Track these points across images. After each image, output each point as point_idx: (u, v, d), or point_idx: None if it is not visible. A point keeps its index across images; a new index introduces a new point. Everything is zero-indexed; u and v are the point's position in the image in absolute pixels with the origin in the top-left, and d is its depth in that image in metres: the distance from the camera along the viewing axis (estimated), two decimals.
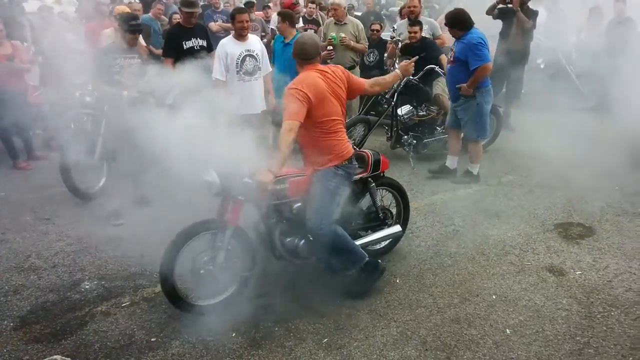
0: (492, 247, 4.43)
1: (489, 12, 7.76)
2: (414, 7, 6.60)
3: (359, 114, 6.42)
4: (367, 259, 3.72)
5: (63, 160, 5.09)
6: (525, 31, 7.42)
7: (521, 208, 5.21)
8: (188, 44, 5.57)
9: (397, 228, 4.18)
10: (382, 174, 4.09)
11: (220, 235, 3.41)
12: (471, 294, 3.79)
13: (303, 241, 3.66)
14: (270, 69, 5.66)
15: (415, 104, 6.30)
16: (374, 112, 6.72)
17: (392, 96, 6.09)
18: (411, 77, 5.98)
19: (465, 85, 5.42)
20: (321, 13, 10.07)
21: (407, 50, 6.31)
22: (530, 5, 7.95)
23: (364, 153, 3.93)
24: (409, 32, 6.41)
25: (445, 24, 5.69)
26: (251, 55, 5.40)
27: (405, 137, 6.20)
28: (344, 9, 6.93)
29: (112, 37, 6.20)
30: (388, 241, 4.26)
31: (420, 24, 6.48)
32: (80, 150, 5.24)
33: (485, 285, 3.89)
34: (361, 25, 6.95)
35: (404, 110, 6.23)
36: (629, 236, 4.60)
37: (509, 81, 7.84)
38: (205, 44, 5.69)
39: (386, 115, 6.28)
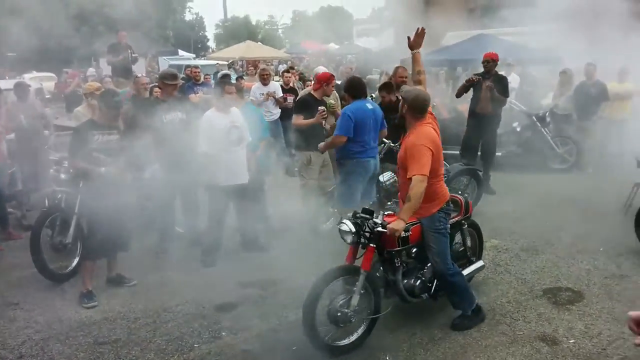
0: None
1: (460, 94, 8.01)
2: (405, 77, 6.80)
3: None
4: (477, 300, 4.22)
5: (34, 240, 4.91)
6: (495, 97, 7.61)
7: (508, 273, 5.12)
8: (168, 118, 5.56)
9: (480, 263, 4.70)
10: (469, 216, 4.59)
11: (353, 279, 3.76)
12: None
13: (419, 281, 4.10)
14: (250, 139, 5.65)
15: (397, 170, 6.30)
16: None
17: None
18: (392, 143, 6.03)
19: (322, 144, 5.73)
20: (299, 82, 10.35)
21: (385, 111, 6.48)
22: (501, 71, 8.26)
23: (457, 198, 4.40)
24: (382, 97, 6.60)
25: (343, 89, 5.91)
26: (235, 127, 5.40)
27: (389, 203, 6.15)
28: None
29: (86, 114, 6.20)
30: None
31: (388, 87, 6.66)
32: (53, 229, 5.10)
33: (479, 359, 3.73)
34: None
35: (385, 177, 6.21)
36: (618, 300, 4.52)
37: (482, 145, 7.95)
38: (185, 117, 5.69)
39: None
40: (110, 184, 4.62)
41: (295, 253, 5.72)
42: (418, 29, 4.48)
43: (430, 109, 4.06)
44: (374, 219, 3.80)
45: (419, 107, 3.92)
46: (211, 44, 54.37)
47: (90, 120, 5.02)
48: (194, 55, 33.65)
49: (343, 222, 3.85)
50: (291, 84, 10.00)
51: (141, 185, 5.93)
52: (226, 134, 5.35)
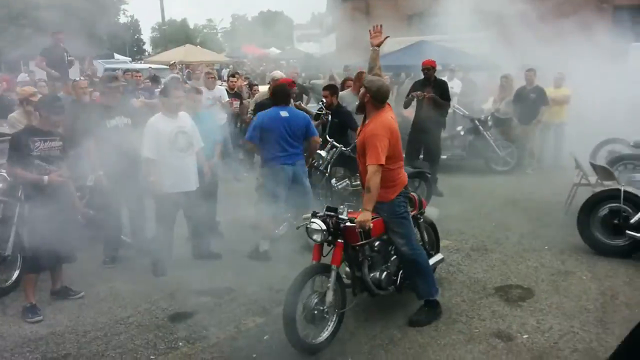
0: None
1: (406, 106, 8.23)
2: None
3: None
4: (439, 292, 4.41)
5: None
6: (439, 103, 7.84)
7: (461, 273, 5.24)
8: (112, 123, 5.33)
9: (440, 256, 4.88)
10: (423, 211, 4.76)
11: (326, 277, 3.85)
12: None
13: (385, 274, 4.23)
14: (202, 145, 5.51)
15: (349, 173, 6.34)
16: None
17: (326, 167, 6.10)
18: (344, 147, 6.07)
19: None
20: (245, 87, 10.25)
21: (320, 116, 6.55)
22: (444, 76, 8.51)
23: (410, 195, 4.48)
24: (325, 97, 6.73)
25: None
26: (183, 132, 5.24)
27: (341, 207, 6.16)
28: None
29: (21, 120, 5.88)
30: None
31: (332, 88, 6.79)
32: None
33: (438, 358, 3.78)
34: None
35: (338, 180, 6.24)
36: (565, 295, 4.71)
37: (426, 148, 8.15)
38: (130, 121, 5.48)
39: (321, 186, 6.25)
40: (52, 193, 4.38)
41: (251, 259, 5.64)
42: (375, 26, 4.62)
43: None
44: (339, 215, 3.89)
45: (382, 97, 4.06)
46: (147, 47, 53.04)
47: (30, 127, 4.75)
48: (130, 59, 32.64)
49: (313, 221, 3.89)
50: (236, 89, 9.91)
51: (85, 193, 5.68)
52: (173, 139, 5.18)
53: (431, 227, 4.96)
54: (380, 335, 4.08)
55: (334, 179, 6.24)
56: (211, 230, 6.01)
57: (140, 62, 28.48)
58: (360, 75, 6.99)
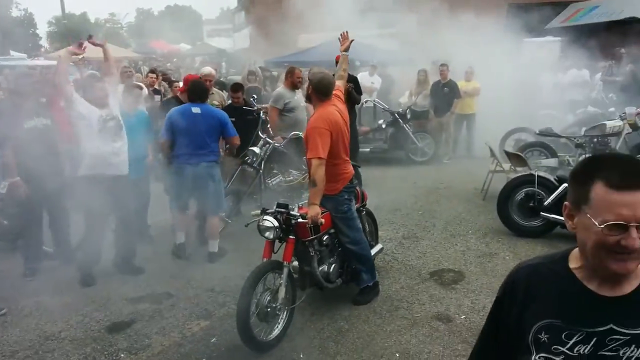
0: (382, 304, 4.50)
1: None
2: (301, 77, 7.04)
3: (227, 187, 6.24)
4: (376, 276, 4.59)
5: None
6: (353, 97, 8.07)
7: (396, 261, 5.43)
8: (30, 124, 4.95)
9: (380, 246, 5.07)
10: (365, 204, 4.86)
11: (277, 273, 3.85)
12: (376, 356, 3.76)
13: (333, 267, 4.32)
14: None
15: (282, 169, 6.34)
16: None
17: (260, 164, 6.07)
18: (277, 144, 6.06)
19: None
20: (164, 84, 9.91)
21: (232, 113, 6.40)
22: (366, 71, 8.74)
23: (355, 189, 4.53)
24: (232, 98, 6.71)
25: None
26: (112, 118, 4.90)
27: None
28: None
29: None
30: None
31: (242, 88, 6.77)
32: None
33: (386, 345, 3.91)
34: (223, 95, 7.05)
35: (272, 177, 6.22)
36: (492, 275, 5.04)
37: None
38: (50, 122, 5.11)
39: (255, 184, 6.20)
40: None
41: (187, 261, 5.50)
42: (343, 33, 4.75)
43: (342, 92, 4.42)
44: (291, 212, 3.90)
45: (323, 89, 4.10)
46: (44, 42, 49.41)
47: None
48: (26, 55, 30.26)
49: (265, 218, 3.87)
50: (155, 85, 9.55)
51: None
52: (102, 124, 4.81)
53: (371, 218, 5.12)
54: (328, 328, 4.15)
55: (269, 176, 6.21)
56: (141, 234, 5.77)
57: (39, 59, 26.48)
58: (292, 70, 7.00)
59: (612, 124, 7.72)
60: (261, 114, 7.03)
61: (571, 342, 1.32)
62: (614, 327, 1.30)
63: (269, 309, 3.74)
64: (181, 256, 5.53)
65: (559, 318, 1.34)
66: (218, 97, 7.05)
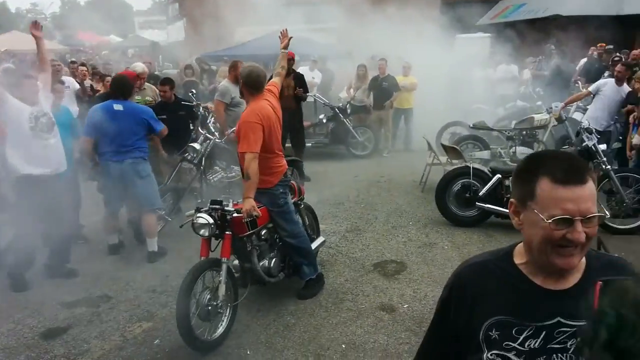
0: (327, 297, 4.54)
1: None
2: None
3: (166, 184, 6.08)
4: (319, 269, 4.62)
5: None
6: (300, 95, 8.14)
7: (340, 254, 5.49)
8: None
9: (322, 238, 5.07)
10: (303, 198, 4.87)
11: (216, 271, 3.80)
12: (322, 348, 3.80)
13: (274, 261, 4.29)
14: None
15: (224, 165, 6.25)
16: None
17: (200, 161, 5.95)
18: (218, 139, 5.96)
19: None
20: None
21: (163, 109, 6.29)
22: (306, 66, 8.77)
23: (291, 183, 4.58)
24: (160, 91, 6.56)
25: None
26: (43, 114, 4.67)
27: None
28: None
29: None
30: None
31: (170, 82, 6.59)
32: None
33: (333, 337, 3.95)
34: (156, 90, 6.83)
35: (213, 173, 6.12)
36: (433, 264, 5.20)
37: (291, 137, 8.37)
38: None
39: (195, 181, 6.08)
40: None
41: (126, 262, 5.33)
42: (283, 31, 4.74)
43: (277, 88, 4.42)
44: (225, 207, 3.85)
45: (253, 83, 4.08)
46: None
47: None
48: None
49: (199, 216, 3.81)
50: (86, 80, 9.17)
51: None
52: (34, 122, 4.58)
53: (310, 211, 5.14)
54: (275, 324, 4.14)
55: (210, 172, 6.10)
56: (75, 235, 5.53)
57: None
58: (235, 64, 6.89)
59: (540, 117, 8.14)
60: (200, 109, 6.90)
61: (522, 337, 1.34)
62: (561, 320, 1.33)
63: (209, 308, 3.68)
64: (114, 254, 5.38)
65: (509, 314, 1.36)
66: (151, 92, 6.83)
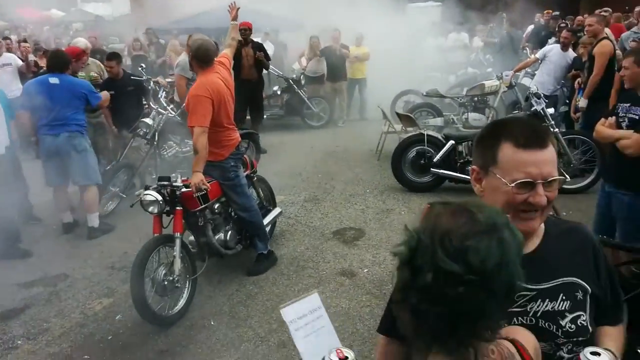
0: (289, 266, 4.61)
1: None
2: None
3: (118, 161, 5.95)
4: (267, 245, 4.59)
5: None
6: (256, 62, 8.05)
7: (300, 224, 5.55)
8: None
9: (278, 209, 5.08)
10: (255, 170, 4.87)
11: (170, 247, 3.78)
12: None
13: (229, 234, 4.33)
14: None
15: (178, 140, 6.15)
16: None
17: (153, 136, 5.83)
18: (172, 112, 5.85)
19: None
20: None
21: (111, 85, 6.14)
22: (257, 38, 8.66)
23: (243, 157, 4.58)
24: (106, 67, 6.36)
25: None
26: None
27: (173, 175, 6.00)
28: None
29: None
30: (269, 226, 4.87)
31: (117, 57, 6.41)
32: None
33: None
34: (101, 65, 6.59)
35: (167, 148, 6.01)
36: (390, 229, 5.32)
37: (251, 108, 8.31)
38: None
39: (149, 156, 5.96)
40: None
41: (82, 240, 5.23)
42: (232, 4, 4.69)
43: (228, 60, 4.37)
44: (173, 183, 3.81)
45: (202, 57, 4.02)
46: None
47: None
48: None
49: (147, 193, 3.76)
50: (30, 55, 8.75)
51: None
52: None
53: (264, 183, 5.15)
54: (237, 293, 4.18)
55: (164, 147, 5.98)
56: (25, 215, 5.39)
57: None
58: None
59: (490, 83, 8.33)
60: (151, 84, 6.72)
61: None
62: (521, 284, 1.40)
63: (166, 283, 3.67)
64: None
65: None
66: (96, 68, 6.57)
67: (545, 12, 12.35)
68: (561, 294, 1.36)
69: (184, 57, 6.89)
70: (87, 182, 5.22)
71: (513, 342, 1.13)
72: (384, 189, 6.50)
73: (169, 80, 8.08)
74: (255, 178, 4.92)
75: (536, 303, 1.35)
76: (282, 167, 7.39)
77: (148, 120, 5.92)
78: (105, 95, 5.63)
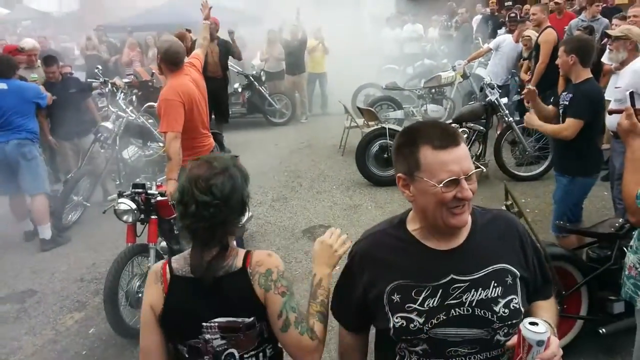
0: None
1: None
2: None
3: (79, 168, 5.82)
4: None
5: None
6: (222, 59, 7.97)
7: (269, 224, 5.58)
8: None
9: (249, 213, 4.82)
10: None
11: (144, 257, 3.70)
12: None
13: None
14: None
15: (140, 144, 6.05)
16: None
17: (114, 141, 5.73)
18: (132, 115, 5.77)
19: None
20: None
21: (50, 90, 5.86)
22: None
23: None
24: (46, 73, 6.10)
25: None
26: None
27: (138, 180, 5.91)
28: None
29: None
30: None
31: (56, 61, 6.23)
32: None
33: None
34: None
35: (130, 152, 5.91)
36: (358, 225, 5.37)
37: (215, 108, 8.22)
38: None
39: (111, 162, 5.85)
40: None
41: (45, 254, 5.11)
42: (204, 2, 4.59)
43: (199, 61, 4.29)
44: (148, 191, 3.74)
45: (171, 59, 3.91)
46: None
47: None
48: None
49: (121, 202, 3.65)
50: None
51: None
52: None
53: None
54: None
55: (125, 151, 5.88)
56: None
57: None
58: (182, 35, 6.66)
59: (446, 74, 8.53)
60: (109, 86, 6.57)
61: (421, 298, 1.42)
62: (454, 277, 1.43)
63: (140, 295, 3.56)
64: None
65: (406, 278, 1.44)
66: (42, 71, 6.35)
67: (490, 2, 12.63)
68: (492, 281, 1.44)
69: None
70: (36, 192, 5.10)
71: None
72: (350, 185, 6.59)
73: (126, 80, 7.92)
74: None
75: (470, 293, 1.42)
76: (247, 167, 7.19)
77: (108, 125, 5.80)
78: (49, 97, 5.52)
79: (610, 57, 4.08)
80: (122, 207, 3.65)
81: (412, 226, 1.52)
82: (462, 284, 1.43)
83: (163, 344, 1.65)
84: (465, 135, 6.23)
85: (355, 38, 11.19)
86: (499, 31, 9.73)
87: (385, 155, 6.42)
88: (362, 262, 1.53)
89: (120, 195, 3.75)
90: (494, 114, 6.53)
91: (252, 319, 1.61)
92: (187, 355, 1.64)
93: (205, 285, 1.58)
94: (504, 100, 6.42)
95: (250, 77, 9.68)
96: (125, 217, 3.70)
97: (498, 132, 6.77)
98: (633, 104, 2.08)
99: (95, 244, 5.20)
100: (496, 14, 12.17)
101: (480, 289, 1.43)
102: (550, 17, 9.31)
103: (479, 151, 6.28)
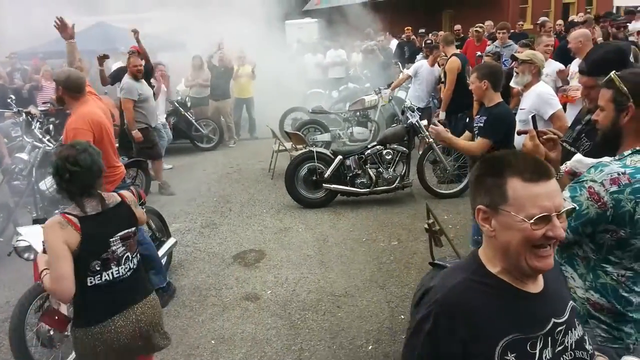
0: (191, 296, 4.54)
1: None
2: (140, 65, 6.84)
3: None
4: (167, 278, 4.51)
5: None
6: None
7: (198, 251, 5.48)
8: None
9: (172, 240, 4.93)
10: (144, 202, 4.48)
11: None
12: (192, 348, 3.83)
13: None
14: None
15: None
16: None
17: (30, 172, 5.43)
18: (49, 144, 5.51)
19: None
20: None
21: None
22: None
23: (130, 189, 4.33)
24: None
25: None
26: None
27: (56, 212, 5.62)
28: None
29: None
30: (165, 258, 4.73)
31: None
32: None
33: (201, 334, 3.99)
34: None
35: (47, 183, 5.61)
36: (290, 248, 5.43)
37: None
38: None
39: (27, 193, 5.53)
40: None
41: None
42: (57, 19, 4.45)
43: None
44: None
45: (74, 87, 3.86)
46: None
47: None
48: None
49: (20, 240, 3.43)
50: None
51: None
52: None
53: (154, 214, 4.96)
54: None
55: (42, 183, 5.58)
56: None
57: None
58: (129, 60, 6.80)
59: (370, 98, 8.83)
60: (23, 115, 6.26)
61: (537, 351, 1.28)
62: (555, 321, 1.32)
63: (52, 333, 3.29)
64: None
65: (516, 331, 1.28)
66: None
67: (405, 29, 13.26)
68: (575, 320, 1.38)
69: (127, 79, 6.73)
70: None
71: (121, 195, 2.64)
72: (280, 208, 6.62)
73: (42, 109, 7.57)
74: (145, 209, 4.77)
75: (568, 336, 1.34)
76: (175, 194, 7.24)
77: (23, 156, 5.51)
78: None
79: (516, 81, 4.40)
80: (22, 244, 3.42)
81: (493, 269, 1.34)
82: (561, 327, 1.32)
83: (73, 272, 2.32)
84: (390, 157, 6.47)
85: (280, 63, 11.33)
86: (417, 57, 10.21)
87: (314, 178, 6.52)
88: (454, 319, 1.28)
89: (18, 233, 3.52)
90: (415, 135, 6.82)
91: (134, 228, 2.61)
92: (98, 269, 2.43)
93: (108, 214, 2.48)
94: (424, 122, 6.73)
95: (175, 103, 9.53)
96: (26, 255, 3.45)
97: (420, 153, 7.08)
98: (535, 127, 2.27)
99: (10, 281, 4.89)
100: (412, 38, 12.78)
101: (573, 329, 1.36)
102: (468, 42, 9.98)
103: (403, 171, 6.51)
